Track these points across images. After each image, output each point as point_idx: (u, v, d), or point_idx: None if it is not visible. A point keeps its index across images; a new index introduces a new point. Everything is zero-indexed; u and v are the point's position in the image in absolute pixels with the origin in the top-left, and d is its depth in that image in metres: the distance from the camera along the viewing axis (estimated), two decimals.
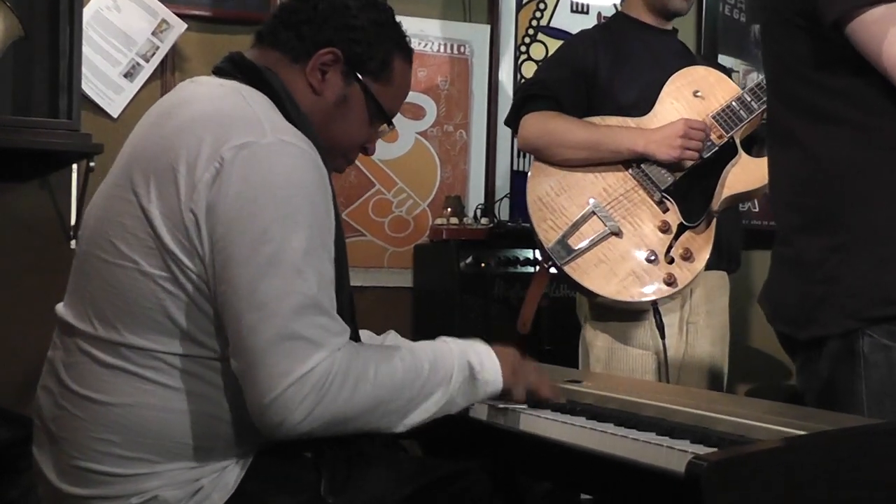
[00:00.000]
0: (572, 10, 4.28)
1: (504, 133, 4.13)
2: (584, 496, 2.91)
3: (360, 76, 1.90)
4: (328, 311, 1.66)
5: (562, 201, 2.89)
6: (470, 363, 1.81)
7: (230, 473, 1.71)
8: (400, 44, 1.95)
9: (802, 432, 1.54)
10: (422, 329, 3.88)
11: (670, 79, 2.96)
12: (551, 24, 4.25)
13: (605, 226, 2.83)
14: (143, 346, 1.68)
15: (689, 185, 2.87)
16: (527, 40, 4.23)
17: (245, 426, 1.69)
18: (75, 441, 1.71)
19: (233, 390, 1.68)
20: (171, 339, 1.68)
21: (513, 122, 3.07)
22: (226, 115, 1.71)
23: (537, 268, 3.04)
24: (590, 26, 4.06)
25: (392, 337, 2.17)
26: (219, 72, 1.89)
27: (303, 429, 1.61)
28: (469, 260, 3.68)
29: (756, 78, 3.70)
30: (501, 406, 1.89)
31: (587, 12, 4.29)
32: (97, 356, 1.71)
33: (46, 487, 1.79)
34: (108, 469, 1.69)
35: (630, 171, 2.89)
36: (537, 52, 4.23)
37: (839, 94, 1.86)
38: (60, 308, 1.84)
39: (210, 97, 1.78)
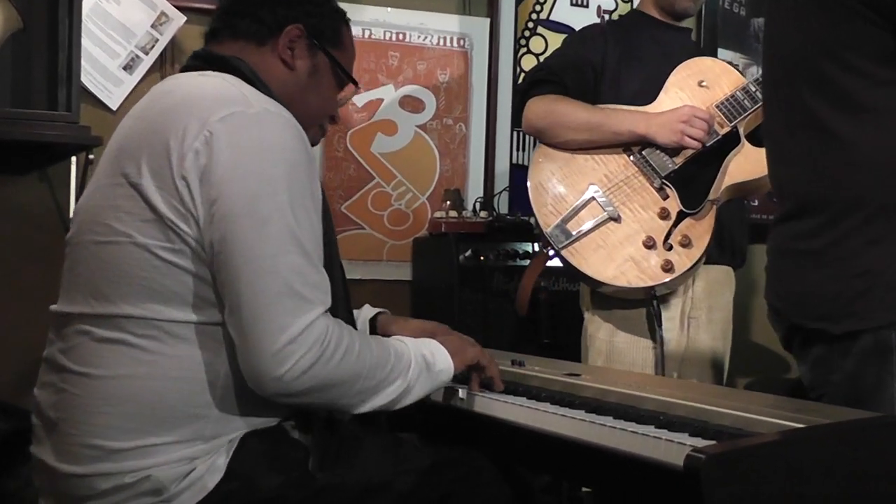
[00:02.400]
0: (572, 4, 4.27)
1: (503, 126, 4.13)
2: (583, 489, 2.92)
3: (322, 46, 2.02)
4: (318, 266, 1.75)
5: (562, 187, 2.90)
6: (424, 356, 1.89)
7: (221, 457, 1.73)
8: (340, 11, 2.09)
9: (801, 425, 1.54)
10: None
11: (676, 69, 2.97)
12: (551, 18, 4.25)
13: (604, 211, 2.84)
14: (140, 314, 1.72)
15: (690, 172, 2.88)
16: (526, 34, 4.22)
17: (238, 393, 1.74)
18: (73, 419, 1.74)
19: (228, 355, 1.73)
20: (167, 306, 1.72)
21: (519, 106, 3.08)
22: (210, 93, 1.80)
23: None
24: (590, 20, 4.09)
25: (367, 310, 2.26)
26: (188, 69, 1.97)
27: (297, 386, 1.68)
28: (468, 253, 3.67)
29: (756, 72, 3.70)
30: (500, 399, 1.90)
31: (587, 6, 4.28)
32: (95, 332, 1.75)
33: (45, 474, 1.80)
34: (103, 443, 1.71)
35: (631, 157, 2.90)
36: (537, 45, 4.23)
37: (885, 83, 1.81)
38: (54, 306, 1.87)
39: (192, 84, 1.86)
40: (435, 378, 1.90)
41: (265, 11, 1.98)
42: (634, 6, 3.26)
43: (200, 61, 1.96)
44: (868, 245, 1.82)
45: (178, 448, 1.71)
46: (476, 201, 3.99)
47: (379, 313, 2.26)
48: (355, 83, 2.11)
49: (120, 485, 1.70)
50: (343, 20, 2.08)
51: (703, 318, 3.02)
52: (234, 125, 1.72)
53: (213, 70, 1.91)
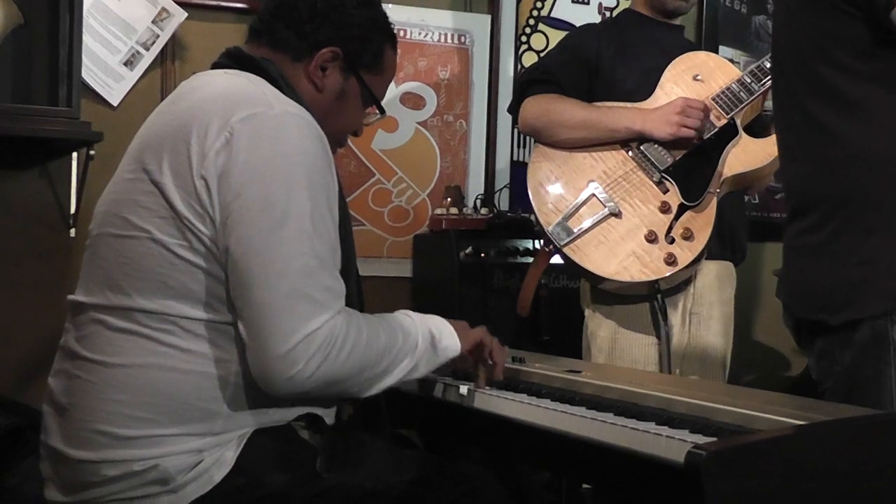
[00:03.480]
0: (573, 1, 4.27)
1: (504, 123, 4.12)
2: (584, 485, 2.92)
3: (356, 70, 2.00)
4: (333, 271, 1.75)
5: (562, 184, 2.90)
6: (431, 331, 1.91)
7: (229, 451, 1.74)
8: (389, 34, 2.06)
9: (802, 422, 1.54)
10: None
11: (671, 64, 2.97)
12: (552, 15, 4.25)
13: (605, 207, 2.84)
14: (155, 309, 1.74)
15: (689, 165, 2.88)
16: (527, 31, 4.22)
17: (249, 391, 1.75)
18: (85, 405, 1.75)
19: (240, 353, 1.74)
20: (182, 303, 1.74)
21: (515, 106, 3.08)
22: (234, 93, 1.80)
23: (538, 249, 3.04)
24: (590, 17, 4.08)
25: None
26: (217, 66, 1.98)
27: (307, 385, 1.69)
28: (468, 250, 3.67)
29: None
30: (500, 396, 1.90)
31: (588, 3, 4.28)
32: (109, 322, 1.77)
33: (52, 460, 1.81)
34: (114, 430, 1.72)
35: (630, 152, 2.90)
36: (538, 42, 4.23)
37: (868, 77, 1.85)
38: (71, 296, 1.89)
39: (217, 82, 1.87)
40: (440, 355, 1.91)
41: (310, 27, 1.96)
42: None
43: (230, 60, 1.96)
44: (863, 236, 1.86)
45: (187, 440, 1.72)
46: (477, 198, 3.99)
47: None
48: (383, 112, 2.10)
49: (127, 472, 1.71)
50: (389, 42, 2.06)
51: (704, 313, 3.02)
52: (254, 126, 1.72)
53: (241, 69, 1.91)
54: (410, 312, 1.93)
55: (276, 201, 1.69)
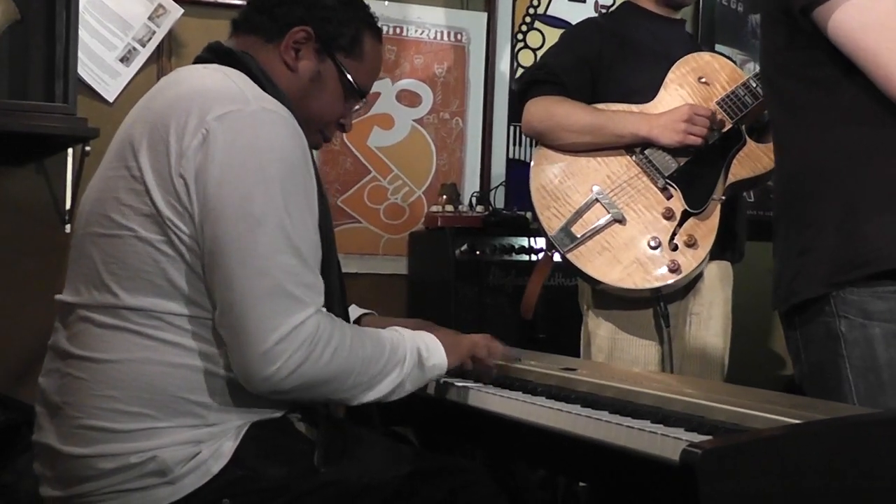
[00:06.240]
0: None
1: (500, 121, 4.13)
2: (579, 483, 2.92)
3: (331, 52, 1.98)
4: (313, 268, 1.75)
5: (565, 189, 2.88)
6: (419, 349, 1.89)
7: (227, 443, 1.74)
8: (368, 22, 2.05)
9: (797, 421, 1.54)
10: (416, 317, 3.87)
11: (675, 65, 2.94)
12: (548, 13, 4.25)
13: (609, 213, 2.82)
14: (142, 307, 1.74)
15: (693, 171, 2.86)
16: (524, 28, 4.22)
17: (241, 384, 1.74)
18: (78, 402, 1.75)
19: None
20: (169, 300, 1.74)
21: (517, 107, 3.06)
22: (210, 89, 1.79)
23: (541, 255, 3.03)
24: (587, 14, 4.07)
25: (352, 310, 2.24)
26: (199, 61, 1.98)
27: (287, 385, 1.69)
28: (464, 247, 3.68)
29: (753, 68, 3.69)
30: (495, 394, 1.90)
31: (584, 1, 4.28)
32: (97, 320, 1.77)
33: (46, 458, 1.81)
34: (108, 425, 1.72)
35: (634, 157, 2.88)
36: (534, 40, 4.23)
37: (817, 83, 1.93)
38: (59, 296, 1.88)
39: (195, 77, 1.87)
40: (427, 373, 1.90)
41: (282, 9, 1.96)
42: None
43: (211, 54, 1.96)
44: (803, 229, 1.97)
45: (183, 431, 1.73)
46: (472, 196, 3.99)
47: (364, 314, 2.25)
48: (361, 95, 2.06)
49: (125, 465, 1.71)
50: (369, 29, 2.04)
51: (704, 314, 3.00)
52: (230, 124, 1.71)
53: (222, 63, 1.90)
54: (400, 329, 1.92)
55: (254, 199, 1.69)
